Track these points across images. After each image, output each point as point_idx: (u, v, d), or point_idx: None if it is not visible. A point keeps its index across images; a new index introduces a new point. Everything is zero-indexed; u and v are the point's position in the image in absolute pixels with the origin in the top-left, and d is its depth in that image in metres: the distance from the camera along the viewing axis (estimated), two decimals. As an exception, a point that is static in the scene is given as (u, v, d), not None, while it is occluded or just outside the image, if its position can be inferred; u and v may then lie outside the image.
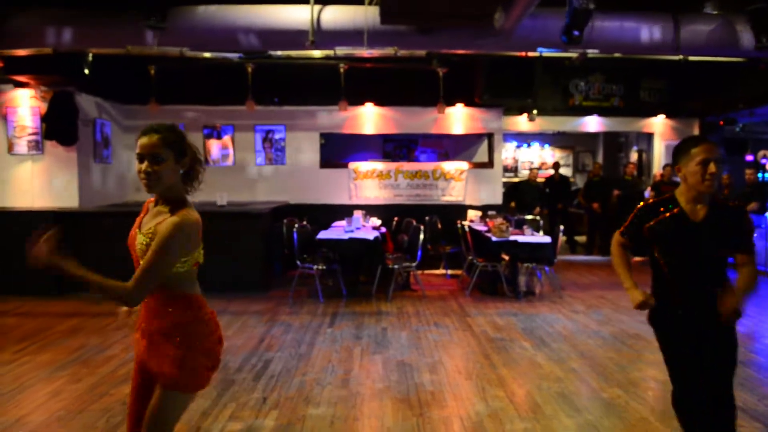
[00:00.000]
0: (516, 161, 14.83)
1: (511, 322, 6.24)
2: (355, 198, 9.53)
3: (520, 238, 7.37)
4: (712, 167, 2.60)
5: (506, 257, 7.63)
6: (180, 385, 2.19)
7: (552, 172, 11.37)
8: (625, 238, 2.98)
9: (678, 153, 2.74)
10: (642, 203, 2.89)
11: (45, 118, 7.73)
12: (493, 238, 7.30)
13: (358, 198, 9.53)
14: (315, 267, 7.19)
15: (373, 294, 7.49)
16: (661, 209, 2.78)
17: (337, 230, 7.81)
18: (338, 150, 10.56)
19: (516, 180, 12.62)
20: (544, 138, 14.63)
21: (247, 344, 5.43)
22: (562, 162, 13.73)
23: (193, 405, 3.84)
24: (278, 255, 8.38)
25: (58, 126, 7.67)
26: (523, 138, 14.50)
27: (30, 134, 7.88)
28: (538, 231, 8.29)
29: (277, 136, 9.43)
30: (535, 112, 10.19)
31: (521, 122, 10.58)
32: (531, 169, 11.06)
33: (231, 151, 9.39)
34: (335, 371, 4.68)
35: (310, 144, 9.53)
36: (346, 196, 9.56)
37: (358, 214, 8.21)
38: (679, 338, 2.76)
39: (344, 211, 8.83)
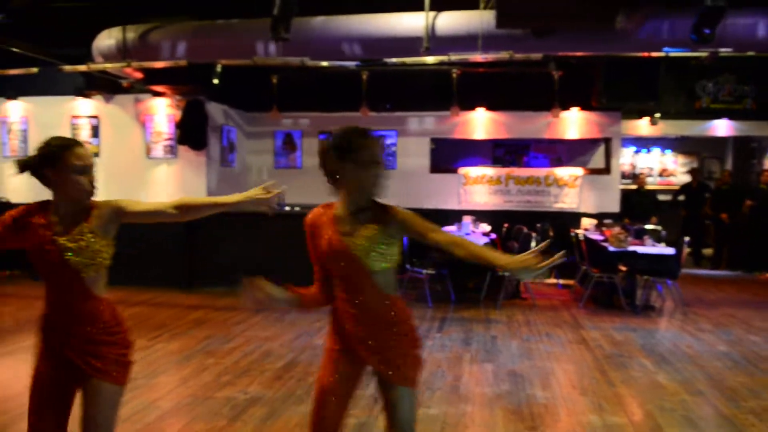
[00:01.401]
0: (634, 167, 14.05)
1: (629, 337, 5.94)
2: (464, 203, 9.50)
3: (640, 249, 7.00)
4: None
5: (624, 268, 7.28)
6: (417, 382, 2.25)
7: (689, 178, 10.65)
8: None
9: None
10: None
11: (179, 125, 8.41)
12: (610, 248, 6.99)
13: (468, 203, 9.48)
14: (424, 271, 7.25)
15: (481, 301, 7.42)
16: None
17: (447, 235, 7.80)
18: (448, 155, 10.56)
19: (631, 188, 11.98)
20: (665, 143, 13.75)
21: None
22: (685, 168, 12.85)
23: (302, 404, 4.01)
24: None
25: (190, 132, 8.32)
26: (642, 143, 13.71)
27: (165, 139, 8.61)
28: (659, 242, 7.82)
29: (388, 142, 9.61)
30: (657, 115, 9.63)
31: (641, 126, 10.04)
32: (639, 175, 10.40)
33: (344, 155, 9.67)
34: (445, 376, 4.69)
35: (421, 149, 9.62)
36: (456, 201, 9.54)
37: (467, 219, 8.18)
38: None
39: (453, 217, 8.83)
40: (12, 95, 9.04)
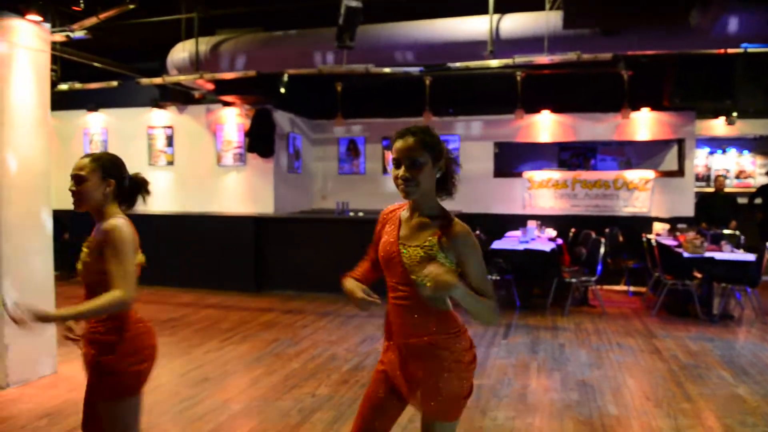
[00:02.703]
0: (708, 169, 13.40)
1: (705, 347, 5.68)
2: (529, 208, 9.34)
3: (717, 255, 6.68)
4: None
5: (699, 275, 6.96)
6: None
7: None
8: None
9: None
10: None
11: (248, 133, 8.68)
12: (685, 254, 6.70)
13: (533, 208, 9.32)
14: (489, 277, 7.15)
15: (547, 307, 7.27)
16: None
17: (511, 240, 7.71)
18: (512, 159, 10.41)
19: (708, 190, 11.42)
20: (742, 143, 13.04)
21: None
22: (765, 170, 12.15)
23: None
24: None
25: (259, 140, 8.57)
26: (717, 143, 13.06)
27: (235, 148, 8.89)
28: (738, 247, 7.44)
29: (451, 146, 9.57)
30: (734, 114, 9.16)
31: (716, 126, 9.60)
32: (717, 177, 9.89)
33: (407, 161, 9.72)
34: (512, 384, 4.63)
35: (484, 153, 9.54)
36: (520, 205, 9.40)
37: (532, 224, 8.04)
38: None
39: (517, 221, 8.70)
40: (93, 108, 9.54)
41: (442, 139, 2.07)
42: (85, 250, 2.32)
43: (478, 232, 8.05)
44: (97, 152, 2.41)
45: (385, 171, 9.85)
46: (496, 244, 7.40)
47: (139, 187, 2.46)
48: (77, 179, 2.30)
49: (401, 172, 1.96)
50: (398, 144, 1.99)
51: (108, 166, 2.35)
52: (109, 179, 2.34)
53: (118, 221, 2.27)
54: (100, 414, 2.27)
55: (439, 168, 2.02)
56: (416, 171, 1.95)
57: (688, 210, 8.92)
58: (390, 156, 2.01)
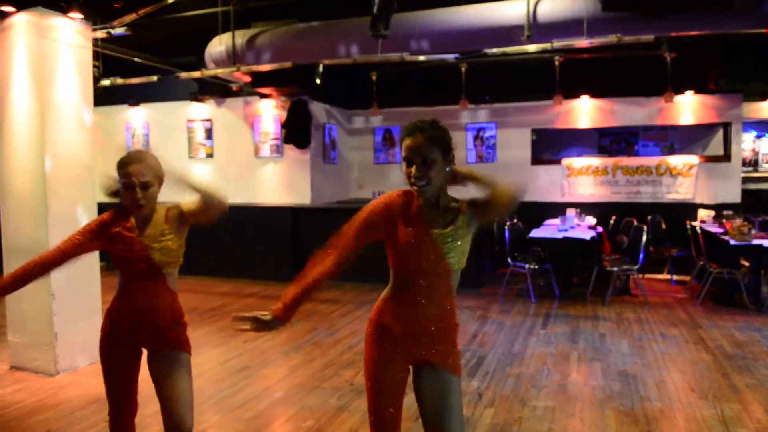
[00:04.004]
0: (756, 154, 12.91)
1: (753, 337, 5.50)
2: (567, 195, 9.18)
3: (766, 242, 6.44)
4: None
5: (746, 264, 6.73)
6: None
7: None
8: None
9: None
10: None
11: (284, 125, 8.75)
12: (731, 242, 6.49)
13: (572, 195, 9.16)
14: (527, 266, 7.09)
15: (587, 297, 7.15)
16: None
17: (550, 229, 7.59)
18: (550, 146, 10.23)
19: (756, 176, 11.00)
20: (794, 126, 12.54)
21: (460, 339, 5.52)
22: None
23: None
24: (488, 253, 8.42)
25: (295, 131, 8.63)
26: (765, 126, 12.57)
27: (272, 139, 8.99)
28: (789, 234, 7.16)
29: (487, 134, 9.47)
30: (785, 96, 8.81)
31: (764, 109, 9.24)
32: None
33: (443, 149, 9.67)
34: (551, 374, 4.57)
35: (521, 140, 9.40)
36: (559, 193, 9.24)
37: (571, 212, 7.90)
38: None
39: (556, 209, 8.57)
40: (134, 102, 9.77)
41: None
42: (163, 241, 2.49)
43: (515, 220, 7.95)
44: (143, 153, 2.51)
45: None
46: (535, 233, 7.30)
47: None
48: (144, 186, 2.43)
49: (413, 170, 1.98)
50: (407, 142, 2.00)
51: (159, 167, 2.51)
52: (162, 179, 2.52)
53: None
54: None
55: (449, 161, 2.04)
56: (427, 168, 1.97)
57: (734, 196, 8.63)
58: (400, 152, 2.02)
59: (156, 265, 2.48)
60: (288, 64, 6.98)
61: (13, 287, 2.44)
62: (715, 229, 7.21)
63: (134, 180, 2.39)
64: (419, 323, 2.11)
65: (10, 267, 4.74)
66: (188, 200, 2.53)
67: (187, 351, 2.59)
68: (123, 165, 2.42)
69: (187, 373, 2.56)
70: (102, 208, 5.23)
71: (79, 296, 4.79)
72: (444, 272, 2.09)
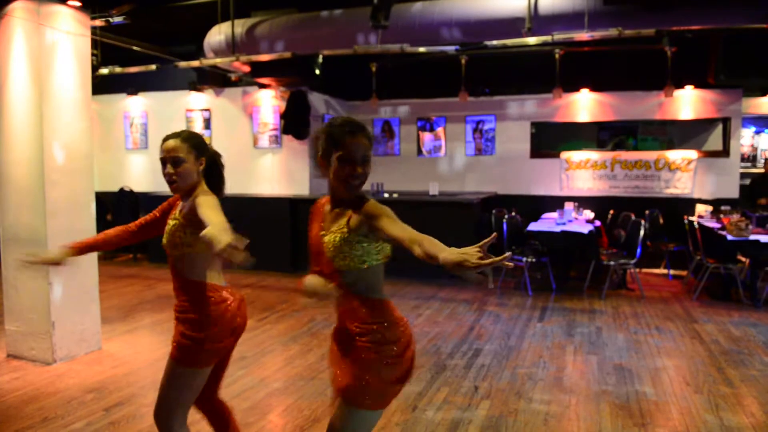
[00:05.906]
0: (755, 149, 12.91)
1: (749, 333, 5.53)
2: (566, 189, 9.18)
3: (763, 238, 6.46)
4: None
5: (743, 259, 6.75)
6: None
7: None
8: None
9: None
10: None
11: (283, 116, 8.73)
12: (729, 237, 6.50)
13: (570, 189, 9.16)
14: (524, 259, 7.10)
15: (584, 290, 7.17)
16: None
17: (548, 222, 7.60)
18: (549, 139, 10.22)
19: (753, 172, 10.99)
20: (793, 122, 12.54)
21: (457, 331, 5.58)
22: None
23: (409, 385, 4.08)
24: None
25: (294, 122, 8.61)
26: (765, 122, 12.57)
27: (270, 130, 8.97)
28: (786, 230, 7.17)
29: (486, 127, 9.45)
30: (785, 91, 8.80)
31: (764, 104, 9.21)
32: (767, 159, 9.53)
33: (443, 142, 9.66)
34: (547, 367, 4.59)
35: (520, 133, 9.39)
36: (557, 186, 9.25)
37: (569, 206, 7.91)
38: None
39: (554, 203, 8.58)
40: (132, 91, 9.71)
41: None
42: (172, 222, 2.35)
43: (513, 213, 7.96)
44: (181, 131, 2.44)
45: (420, 152, 9.80)
46: (533, 226, 7.31)
47: (217, 163, 2.54)
48: (175, 161, 2.31)
49: (358, 169, 1.98)
50: (349, 140, 1.98)
51: (199, 143, 2.41)
52: (202, 157, 2.39)
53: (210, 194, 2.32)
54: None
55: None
56: (367, 166, 2.01)
57: (732, 191, 8.64)
58: (338, 153, 1.98)
59: (164, 247, 2.40)
60: (287, 54, 6.95)
61: (92, 249, 2.51)
62: (712, 224, 7.23)
63: (165, 156, 2.34)
64: (337, 325, 2.14)
65: (8, 256, 4.75)
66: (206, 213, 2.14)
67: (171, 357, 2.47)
68: (162, 142, 2.38)
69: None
70: (100, 197, 5.23)
71: (77, 285, 4.79)
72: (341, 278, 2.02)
